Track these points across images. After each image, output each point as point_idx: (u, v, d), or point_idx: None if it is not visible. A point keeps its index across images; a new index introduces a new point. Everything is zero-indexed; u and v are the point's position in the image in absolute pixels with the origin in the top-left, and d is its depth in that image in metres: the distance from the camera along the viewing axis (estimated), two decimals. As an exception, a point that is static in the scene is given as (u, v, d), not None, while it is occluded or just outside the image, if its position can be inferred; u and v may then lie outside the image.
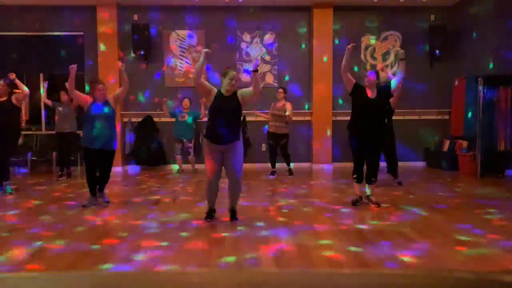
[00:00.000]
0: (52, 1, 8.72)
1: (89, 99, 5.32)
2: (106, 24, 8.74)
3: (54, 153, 8.51)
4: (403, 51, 5.31)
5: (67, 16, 8.91)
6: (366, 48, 9.24)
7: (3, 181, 6.22)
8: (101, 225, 4.50)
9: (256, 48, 9.16)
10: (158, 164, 9.06)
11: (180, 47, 9.09)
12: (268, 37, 9.18)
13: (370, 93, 5.15)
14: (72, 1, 8.73)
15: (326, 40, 8.95)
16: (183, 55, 9.10)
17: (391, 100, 5.75)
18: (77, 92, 5.37)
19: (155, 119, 9.00)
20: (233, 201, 4.64)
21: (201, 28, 9.10)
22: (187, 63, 9.12)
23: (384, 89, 5.20)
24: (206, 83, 4.52)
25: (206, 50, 4.43)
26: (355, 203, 5.33)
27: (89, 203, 5.34)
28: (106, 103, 5.30)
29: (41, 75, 9.24)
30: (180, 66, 9.11)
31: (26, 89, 6.34)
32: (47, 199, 5.86)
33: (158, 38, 9.04)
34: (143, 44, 8.78)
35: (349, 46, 5.12)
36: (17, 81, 6.32)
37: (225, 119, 4.32)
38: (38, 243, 3.80)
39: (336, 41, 9.04)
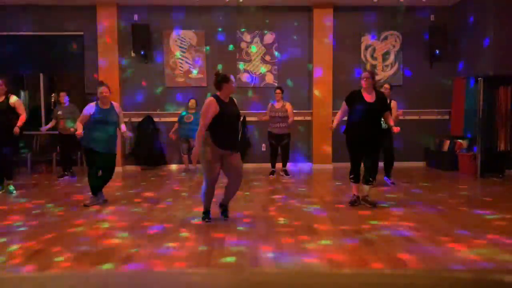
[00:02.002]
0: (52, 1, 8.72)
1: (91, 105, 5.39)
2: (106, 24, 8.74)
3: (54, 153, 8.52)
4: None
5: (67, 16, 8.90)
6: (366, 48, 9.24)
7: (5, 180, 6.27)
8: (101, 225, 4.50)
9: (256, 48, 9.16)
10: (158, 164, 9.05)
11: (180, 47, 9.08)
12: (268, 37, 9.18)
13: (369, 97, 5.14)
14: (72, 1, 8.72)
15: (326, 40, 8.95)
16: (183, 55, 9.10)
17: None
18: (79, 122, 5.39)
19: (155, 119, 9.00)
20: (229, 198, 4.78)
21: (201, 28, 9.10)
22: (187, 63, 9.12)
23: (382, 96, 5.25)
24: (207, 115, 4.29)
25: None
26: (353, 203, 5.33)
27: (90, 202, 5.40)
28: (110, 108, 5.36)
29: (41, 75, 9.24)
30: (180, 66, 9.11)
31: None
32: (48, 198, 5.86)
33: (158, 38, 9.04)
34: (143, 44, 8.78)
35: (331, 128, 5.45)
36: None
37: (233, 125, 4.44)
38: (39, 242, 3.80)
39: (336, 41, 9.03)
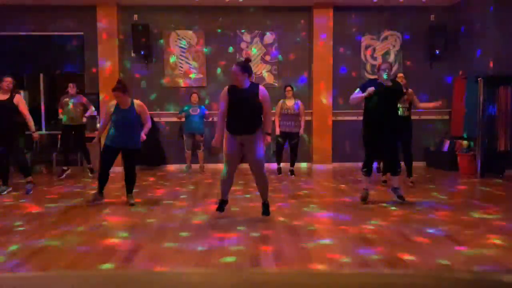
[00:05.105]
0: (52, 1, 8.72)
1: (113, 104, 5.35)
2: (106, 24, 8.74)
3: (54, 154, 8.50)
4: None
5: (67, 16, 8.90)
6: (366, 48, 9.24)
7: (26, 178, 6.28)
8: (101, 225, 4.50)
9: (256, 48, 9.16)
10: (158, 164, 9.05)
11: (180, 47, 9.08)
12: (268, 37, 9.18)
13: (385, 83, 5.15)
14: (72, 1, 8.72)
15: (326, 40, 8.95)
16: (183, 55, 9.10)
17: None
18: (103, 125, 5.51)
19: (155, 119, 8.99)
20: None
21: (201, 28, 9.10)
22: (187, 63, 9.12)
23: (398, 82, 5.25)
24: (221, 105, 4.56)
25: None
26: (364, 199, 5.32)
27: (92, 200, 5.47)
28: (129, 108, 5.28)
29: (41, 75, 9.23)
30: (180, 66, 9.11)
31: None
32: (49, 198, 5.86)
33: (158, 38, 9.04)
34: (143, 44, 8.78)
35: (371, 91, 5.01)
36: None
37: (242, 111, 4.48)
38: (39, 242, 3.80)
39: (336, 41, 9.03)
